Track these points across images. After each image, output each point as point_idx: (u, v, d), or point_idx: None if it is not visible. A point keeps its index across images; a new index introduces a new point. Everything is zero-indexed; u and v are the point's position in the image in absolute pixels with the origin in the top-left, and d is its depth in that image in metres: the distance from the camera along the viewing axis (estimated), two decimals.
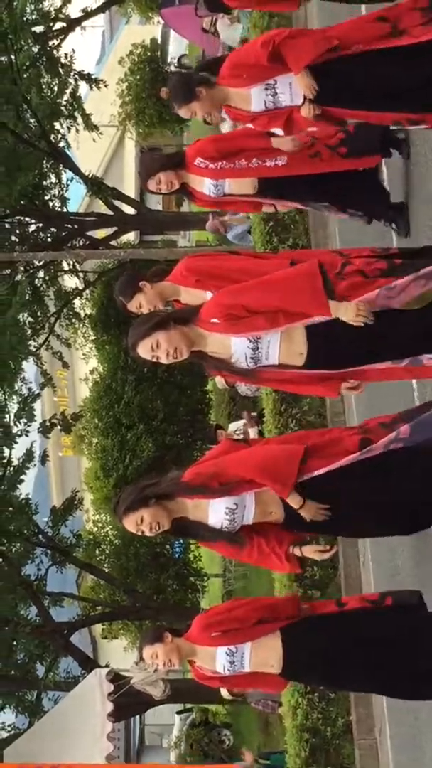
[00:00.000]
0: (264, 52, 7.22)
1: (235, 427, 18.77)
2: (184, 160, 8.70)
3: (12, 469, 22.44)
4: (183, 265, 7.36)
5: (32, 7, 25.22)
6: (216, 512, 6.36)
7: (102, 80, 27.68)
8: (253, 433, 17.85)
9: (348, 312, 5.90)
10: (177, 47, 36.95)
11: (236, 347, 6.14)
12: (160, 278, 7.45)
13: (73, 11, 28.65)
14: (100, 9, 30.66)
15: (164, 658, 6.90)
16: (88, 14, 29.35)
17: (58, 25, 27.53)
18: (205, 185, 8.82)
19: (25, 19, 23.98)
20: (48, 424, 25.32)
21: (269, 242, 14.87)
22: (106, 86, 28.00)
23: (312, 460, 6.24)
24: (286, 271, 6.16)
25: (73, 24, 28.15)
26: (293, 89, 7.39)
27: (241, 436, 18.17)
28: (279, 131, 7.75)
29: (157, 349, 6.20)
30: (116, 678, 17.04)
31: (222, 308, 6.10)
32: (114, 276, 25.49)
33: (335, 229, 13.67)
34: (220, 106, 7.60)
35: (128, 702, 17.02)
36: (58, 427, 25.56)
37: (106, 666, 19.40)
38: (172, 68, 31.57)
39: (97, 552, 25.35)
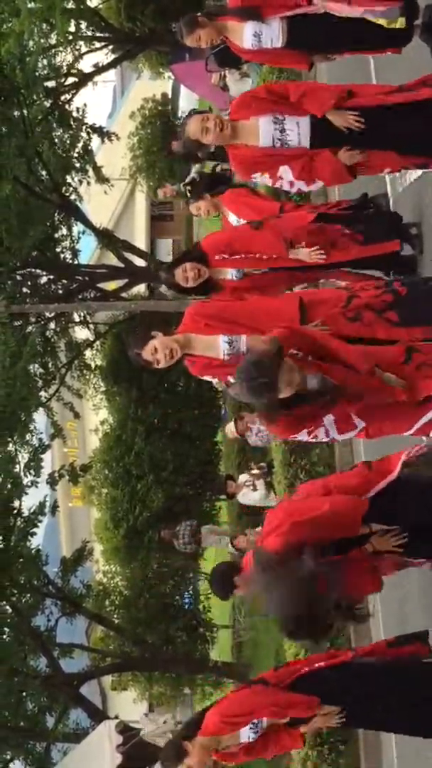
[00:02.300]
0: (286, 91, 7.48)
1: (245, 478, 18.78)
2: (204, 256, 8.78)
3: (22, 520, 22.48)
4: (191, 311, 7.51)
5: (44, 62, 25.53)
6: None
7: (114, 133, 27.95)
8: (260, 485, 17.87)
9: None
10: (187, 102, 37.30)
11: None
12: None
13: (85, 66, 29.01)
14: (112, 64, 30.99)
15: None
16: (99, 69, 29.65)
17: (70, 80, 27.86)
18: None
19: (37, 74, 24.25)
20: (57, 475, 25.36)
21: None
22: (118, 139, 28.28)
23: None
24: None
25: (84, 79, 28.47)
26: (301, 129, 7.54)
27: (251, 488, 18.19)
28: (289, 174, 7.83)
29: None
30: (125, 729, 17.02)
31: None
32: (124, 328, 25.64)
33: None
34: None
35: (138, 754, 16.97)
36: (67, 477, 25.61)
37: (116, 717, 19.38)
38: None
39: (106, 603, 25.32)
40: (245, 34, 8.18)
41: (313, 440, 6.39)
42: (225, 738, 7.06)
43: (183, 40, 8.42)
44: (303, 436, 6.27)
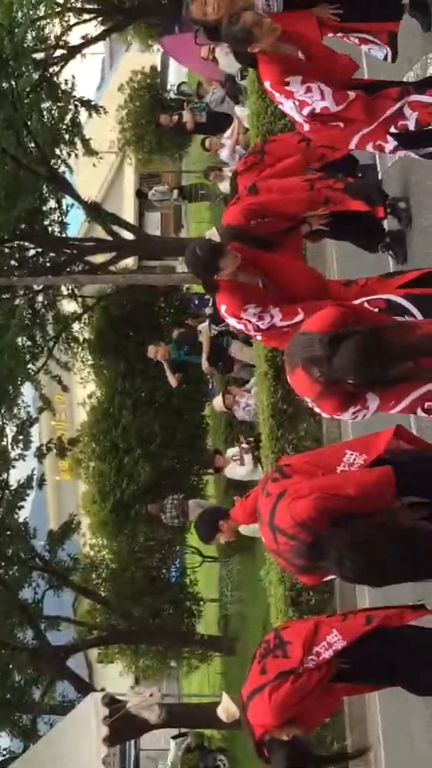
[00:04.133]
0: None
1: (233, 452, 18.81)
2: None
3: (10, 493, 22.50)
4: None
5: (33, 34, 25.38)
6: None
7: (102, 107, 27.83)
8: (248, 459, 17.88)
9: None
10: (176, 75, 37.17)
11: None
12: None
13: (74, 38, 28.85)
14: (100, 36, 30.80)
15: None
16: (88, 41, 29.49)
17: (59, 52, 27.70)
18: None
19: (25, 45, 24.12)
20: (44, 449, 25.37)
21: None
22: (105, 113, 28.17)
23: None
24: None
25: (73, 51, 28.31)
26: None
27: (238, 462, 18.21)
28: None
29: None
30: (112, 702, 17.06)
31: None
32: (112, 301, 25.61)
33: (332, 255, 13.78)
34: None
35: (124, 726, 17.04)
36: (54, 451, 25.61)
37: (102, 690, 19.44)
38: (172, 95, 31.74)
39: (93, 576, 25.40)
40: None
41: (353, 419, 6.22)
42: None
43: (186, 8, 8.28)
44: (347, 416, 6.11)
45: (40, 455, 25.50)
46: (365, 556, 5.47)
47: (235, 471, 18.51)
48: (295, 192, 8.44)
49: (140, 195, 32.13)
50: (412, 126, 7.23)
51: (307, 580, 6.32)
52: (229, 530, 8.25)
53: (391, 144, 7.38)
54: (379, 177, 10.33)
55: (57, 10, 26.56)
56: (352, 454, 6.16)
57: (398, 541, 5.52)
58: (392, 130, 7.26)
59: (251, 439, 18.39)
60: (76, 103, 26.40)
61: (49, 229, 26.04)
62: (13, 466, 22.85)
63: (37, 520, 26.75)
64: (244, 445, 18.19)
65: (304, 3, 7.69)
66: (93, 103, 27.59)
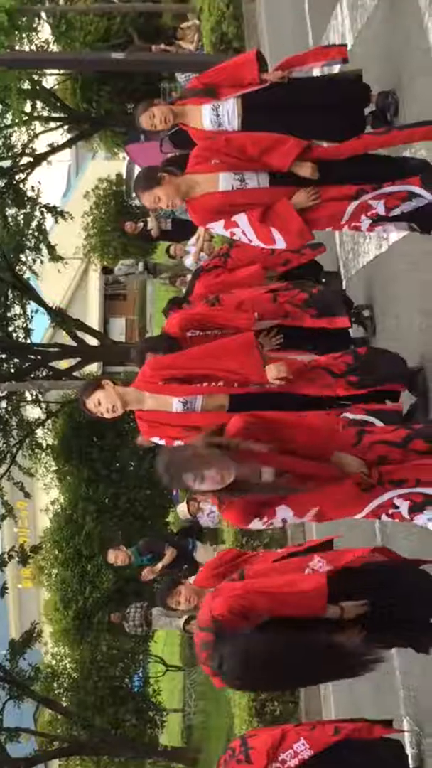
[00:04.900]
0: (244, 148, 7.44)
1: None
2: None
3: None
4: (146, 365, 7.42)
5: (0, 142, 25.65)
6: None
7: (68, 212, 28.06)
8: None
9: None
10: None
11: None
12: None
13: (40, 146, 29.16)
14: (67, 144, 31.15)
15: None
16: (54, 149, 29.80)
17: (25, 160, 27.97)
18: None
19: None
20: (6, 557, 25.11)
21: None
22: (72, 218, 28.38)
23: None
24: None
25: (39, 158, 28.60)
26: (260, 178, 7.51)
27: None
28: (245, 220, 7.74)
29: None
30: None
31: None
32: (76, 407, 25.56)
33: None
34: (183, 195, 7.61)
35: None
36: (17, 559, 25.34)
37: None
38: (137, 203, 32.02)
39: (55, 685, 24.98)
40: (204, 113, 8.23)
41: (269, 527, 6.31)
42: None
43: (137, 120, 8.52)
44: (256, 525, 6.17)
45: (2, 563, 25.22)
46: (240, 668, 5.60)
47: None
48: (261, 304, 8.45)
49: (106, 271, 32.32)
50: (382, 212, 7.24)
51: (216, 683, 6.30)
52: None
53: (366, 222, 7.36)
54: (343, 284, 10.36)
55: (24, 118, 26.87)
56: (320, 561, 6.19)
57: (302, 657, 5.64)
58: (363, 218, 7.28)
59: (215, 545, 18.27)
60: (42, 209, 26.58)
61: (14, 334, 26.05)
62: None
63: None
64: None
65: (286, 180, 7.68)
66: (59, 209, 27.80)
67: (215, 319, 8.34)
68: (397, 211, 7.25)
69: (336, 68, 8.87)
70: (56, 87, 29.76)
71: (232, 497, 6.06)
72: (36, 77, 27.68)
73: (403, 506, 6.14)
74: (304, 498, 6.05)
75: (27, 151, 28.06)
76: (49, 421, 26.81)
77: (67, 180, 48.33)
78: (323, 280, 10.13)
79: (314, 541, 7.14)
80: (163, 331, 8.73)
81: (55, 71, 28.62)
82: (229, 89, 8.28)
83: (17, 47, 25.66)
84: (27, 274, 26.59)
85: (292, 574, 6.20)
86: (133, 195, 35.49)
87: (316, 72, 9.20)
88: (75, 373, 26.96)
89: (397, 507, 6.15)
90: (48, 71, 28.36)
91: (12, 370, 25.72)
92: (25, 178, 27.69)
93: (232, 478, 5.91)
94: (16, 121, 26.85)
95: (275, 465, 5.96)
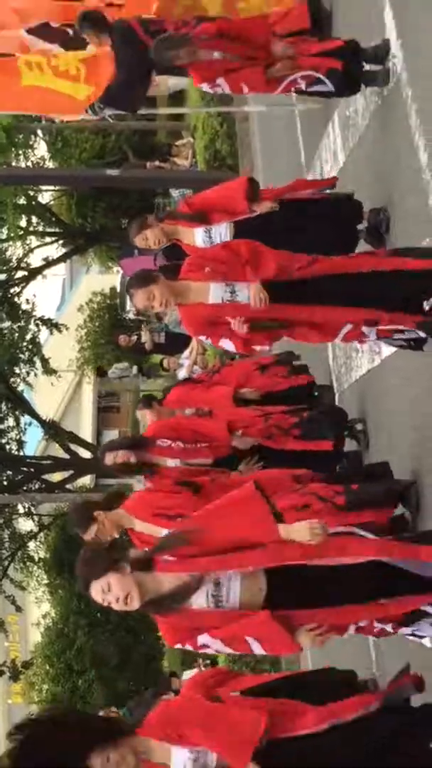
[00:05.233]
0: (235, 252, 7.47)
1: (190, 674, 18.43)
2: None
3: None
4: (136, 495, 7.44)
5: None
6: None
7: (63, 324, 28.24)
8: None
9: (301, 532, 5.79)
10: None
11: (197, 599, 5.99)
12: (116, 505, 7.49)
13: (35, 260, 29.42)
14: (62, 258, 31.43)
15: None
16: (49, 263, 30.06)
17: (20, 274, 28.19)
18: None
19: None
20: None
21: None
22: (66, 329, 28.54)
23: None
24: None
25: (34, 272, 28.83)
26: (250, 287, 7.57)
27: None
28: (230, 346, 7.82)
29: (107, 592, 5.73)
30: None
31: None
32: (68, 520, 25.45)
33: None
34: (176, 296, 7.68)
35: None
36: (7, 675, 25.05)
37: None
38: (131, 316, 32.27)
39: None
40: (196, 236, 8.42)
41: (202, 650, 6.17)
42: None
43: (131, 239, 8.69)
44: (191, 647, 6.05)
45: None
46: None
47: None
48: (251, 427, 8.54)
49: (101, 373, 32.38)
50: (373, 338, 7.29)
51: None
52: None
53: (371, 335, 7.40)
54: (336, 398, 10.40)
55: (20, 233, 27.14)
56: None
57: None
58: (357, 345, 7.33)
59: (209, 661, 18.07)
60: (36, 322, 26.73)
61: (7, 446, 26.03)
62: None
63: None
64: (203, 669, 17.86)
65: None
66: (53, 321, 27.96)
67: (194, 433, 8.43)
68: (388, 341, 7.34)
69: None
70: (52, 202, 30.11)
71: (157, 613, 5.95)
72: (32, 193, 28.02)
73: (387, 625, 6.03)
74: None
75: (22, 265, 28.31)
76: (42, 534, 26.66)
77: (61, 293, 48.62)
78: (316, 394, 10.18)
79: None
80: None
81: (51, 187, 28.97)
82: (219, 215, 8.44)
83: (14, 163, 26.04)
84: (21, 386, 26.65)
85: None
86: (128, 307, 35.80)
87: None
88: (68, 486, 26.88)
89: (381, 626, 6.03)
90: (44, 187, 28.72)
91: (5, 483, 25.65)
92: (20, 292, 27.89)
93: (137, 604, 5.81)
94: (12, 235, 27.13)
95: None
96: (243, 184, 8.53)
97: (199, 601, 5.84)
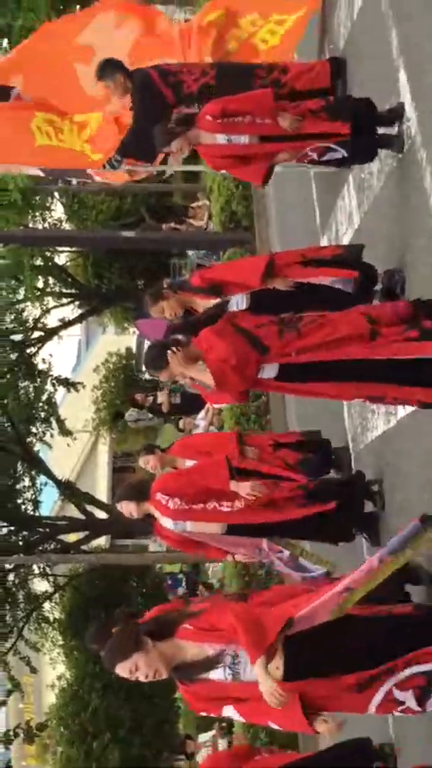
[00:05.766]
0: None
1: (205, 738, 18.32)
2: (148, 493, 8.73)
3: None
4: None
5: (12, 316, 26.00)
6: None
7: (79, 382, 28.32)
8: (222, 746, 17.44)
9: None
10: None
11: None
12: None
13: (52, 320, 29.55)
14: (78, 319, 31.56)
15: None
16: (65, 324, 30.18)
17: (36, 334, 28.30)
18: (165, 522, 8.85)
19: (4, 327, 24.65)
20: (12, 734, 24.64)
21: None
22: (84, 387, 28.62)
23: None
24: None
25: (50, 333, 28.95)
26: None
27: (210, 749, 17.74)
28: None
29: (136, 671, 5.85)
30: None
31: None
32: (84, 580, 25.36)
33: None
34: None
35: None
36: (22, 737, 24.85)
37: None
38: (147, 377, 32.35)
39: None
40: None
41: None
42: None
43: (148, 309, 8.76)
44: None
45: (7, 741, 24.74)
46: None
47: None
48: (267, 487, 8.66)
49: (117, 416, 32.45)
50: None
51: None
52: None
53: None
54: (352, 459, 10.40)
55: (36, 294, 27.29)
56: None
57: None
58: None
59: (224, 724, 17.96)
60: (53, 381, 26.81)
61: (23, 507, 26.01)
62: None
63: None
64: (218, 732, 17.79)
65: None
66: (69, 381, 28.04)
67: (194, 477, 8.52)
68: None
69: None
70: (68, 263, 30.27)
71: (179, 680, 5.95)
72: (48, 254, 28.19)
73: (409, 699, 5.78)
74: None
75: (38, 325, 28.43)
76: (57, 595, 26.57)
77: (77, 354, 48.79)
78: (332, 457, 10.20)
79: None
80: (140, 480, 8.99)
81: (67, 248, 29.16)
82: (234, 287, 8.52)
83: (30, 225, 26.23)
84: (37, 446, 26.68)
85: None
86: (143, 368, 35.89)
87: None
88: (83, 547, 26.81)
89: (402, 702, 5.79)
90: (60, 248, 28.90)
91: (20, 543, 25.59)
92: (37, 352, 28.00)
93: (165, 675, 5.80)
94: (29, 296, 27.26)
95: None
96: (263, 262, 8.58)
97: (217, 674, 5.84)
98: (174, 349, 7.54)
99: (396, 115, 8.60)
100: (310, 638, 5.70)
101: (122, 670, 5.85)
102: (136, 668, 5.80)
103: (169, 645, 5.87)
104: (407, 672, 5.75)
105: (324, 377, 7.32)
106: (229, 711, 5.99)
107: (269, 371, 7.35)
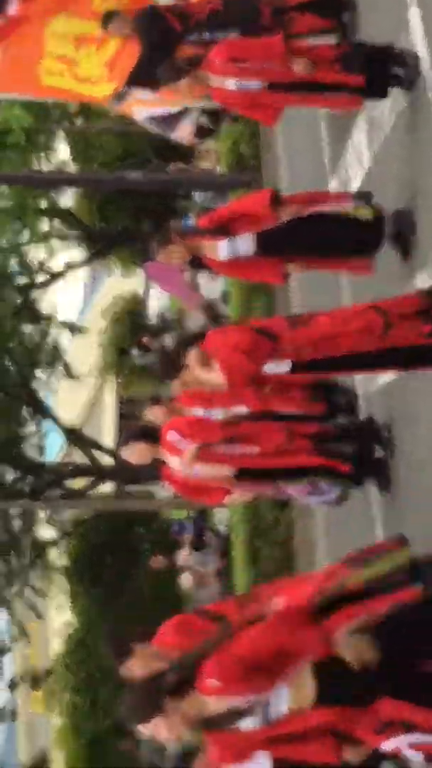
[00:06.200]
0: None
1: None
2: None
3: None
4: None
5: (16, 260, 25.71)
6: None
7: (84, 326, 28.09)
8: None
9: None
10: (157, 301, 37.63)
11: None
12: None
13: (57, 263, 29.22)
14: (84, 262, 31.25)
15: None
16: (71, 267, 29.89)
17: (41, 278, 28.01)
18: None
19: (9, 271, 24.37)
20: (18, 680, 24.65)
21: None
22: (89, 331, 28.40)
23: None
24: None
25: (55, 276, 28.66)
26: None
27: None
28: None
29: (157, 734, 5.64)
30: None
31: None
32: (90, 527, 25.22)
33: None
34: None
35: None
36: (28, 683, 24.86)
37: None
38: (155, 321, 32.18)
39: None
40: (219, 248, 8.54)
41: None
42: None
43: (155, 256, 8.81)
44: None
45: (13, 686, 24.73)
46: None
47: None
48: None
49: (123, 354, 32.45)
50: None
51: None
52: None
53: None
54: (360, 402, 10.19)
55: (40, 237, 27.00)
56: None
57: None
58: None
59: None
60: (58, 325, 26.59)
61: (28, 453, 25.85)
62: None
63: (7, 755, 25.80)
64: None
65: None
66: (75, 325, 27.82)
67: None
68: None
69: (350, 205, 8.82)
70: (73, 205, 29.91)
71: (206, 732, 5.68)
72: (53, 195, 27.82)
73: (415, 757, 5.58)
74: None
75: (43, 269, 28.11)
76: (62, 541, 26.47)
77: (83, 297, 48.55)
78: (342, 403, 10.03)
79: None
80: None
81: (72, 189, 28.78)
82: (242, 226, 8.53)
83: (35, 166, 25.86)
84: (42, 392, 26.46)
85: None
86: (150, 312, 35.67)
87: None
88: (89, 493, 26.66)
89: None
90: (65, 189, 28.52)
91: (26, 489, 25.44)
92: (42, 296, 27.73)
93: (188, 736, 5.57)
94: (33, 239, 26.95)
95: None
96: (267, 193, 8.70)
97: (247, 723, 5.61)
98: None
99: (408, 54, 8.50)
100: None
101: (143, 729, 5.67)
102: (158, 731, 5.57)
103: (191, 702, 5.59)
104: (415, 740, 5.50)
105: (336, 369, 7.88)
106: (262, 758, 5.73)
107: (283, 367, 7.76)
